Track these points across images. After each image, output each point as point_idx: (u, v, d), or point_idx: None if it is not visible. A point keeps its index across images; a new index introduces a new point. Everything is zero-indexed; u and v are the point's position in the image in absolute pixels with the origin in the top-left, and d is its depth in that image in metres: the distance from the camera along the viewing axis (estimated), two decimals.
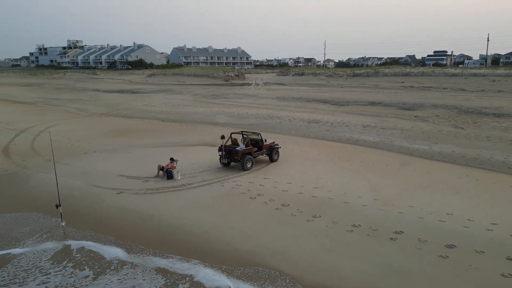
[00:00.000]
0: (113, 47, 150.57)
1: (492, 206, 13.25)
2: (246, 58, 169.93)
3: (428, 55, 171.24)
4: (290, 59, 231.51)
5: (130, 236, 11.79)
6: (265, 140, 19.34)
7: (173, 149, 22.56)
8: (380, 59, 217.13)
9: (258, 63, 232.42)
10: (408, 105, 35.57)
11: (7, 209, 13.91)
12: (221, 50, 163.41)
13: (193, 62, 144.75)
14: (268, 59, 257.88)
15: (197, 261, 10.25)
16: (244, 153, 17.89)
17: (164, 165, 17.49)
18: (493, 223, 11.76)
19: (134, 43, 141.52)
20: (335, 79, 67.26)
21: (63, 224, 12.74)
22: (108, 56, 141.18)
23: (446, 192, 14.63)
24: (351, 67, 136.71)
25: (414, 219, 12.26)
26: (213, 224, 12.39)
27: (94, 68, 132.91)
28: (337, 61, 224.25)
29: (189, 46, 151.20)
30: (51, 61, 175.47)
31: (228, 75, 76.43)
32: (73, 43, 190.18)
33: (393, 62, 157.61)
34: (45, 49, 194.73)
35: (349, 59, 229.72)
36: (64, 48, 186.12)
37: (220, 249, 10.84)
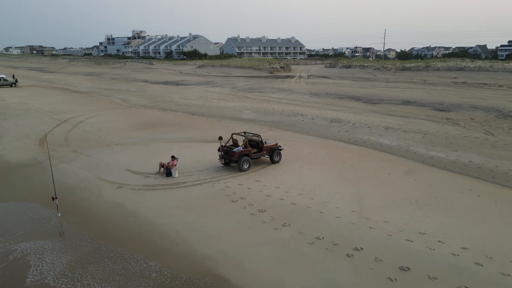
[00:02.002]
0: (171, 38, 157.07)
1: (476, 227, 12.43)
2: (300, 48, 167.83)
3: (502, 45, 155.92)
4: (348, 48, 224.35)
5: (107, 232, 12.81)
6: (265, 142, 19.55)
7: (188, 145, 23.67)
8: (447, 48, 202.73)
9: (313, 53, 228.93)
10: (445, 105, 33.30)
11: (16, 198, 15.74)
12: (275, 40, 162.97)
13: (246, 52, 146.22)
14: (324, 48, 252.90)
15: (154, 263, 10.94)
16: (241, 154, 18.31)
17: (165, 162, 18.52)
18: (463, 247, 11.10)
19: (190, 33, 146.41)
20: (382, 73, 64.42)
21: (59, 215, 14.16)
22: (166, 46, 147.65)
23: (433, 208, 13.92)
24: (413, 58, 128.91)
25: (382, 236, 11.93)
26: (186, 225, 13.06)
27: (153, 58, 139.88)
28: (399, 51, 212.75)
29: (242, 36, 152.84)
30: (117, 50, 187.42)
31: (273, 67, 76.39)
32: (137, 33, 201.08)
33: (461, 52, 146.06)
34: (113, 39, 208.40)
35: (412, 48, 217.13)
36: (129, 38, 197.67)
37: (180, 252, 11.47)
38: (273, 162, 19.61)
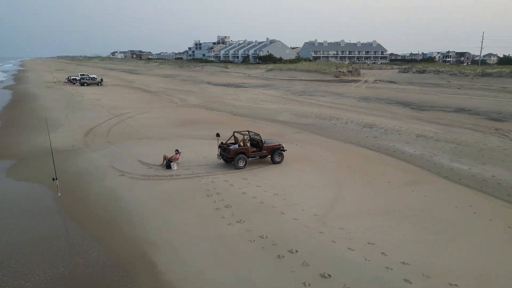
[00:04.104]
0: (249, 42, 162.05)
1: (438, 245, 11.15)
2: (381, 52, 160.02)
3: None
4: (438, 53, 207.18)
5: (87, 213, 14.16)
6: (265, 142, 19.59)
7: (205, 142, 24.73)
8: None
9: (399, 57, 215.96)
10: (502, 115, 29.34)
11: (33, 178, 18.10)
12: (354, 44, 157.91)
13: (322, 57, 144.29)
14: (413, 53, 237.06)
15: (97, 244, 11.78)
16: (236, 152, 18.67)
17: (170, 155, 19.71)
18: (404, 262, 10.10)
19: (267, 38, 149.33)
20: (458, 79, 58.70)
21: (59, 195, 16.06)
22: (244, 51, 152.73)
23: (407, 221, 12.77)
24: None
25: (325, 241, 11.38)
26: (153, 214, 13.86)
27: (231, 62, 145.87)
28: (501, 55, 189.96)
29: (320, 40, 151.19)
30: (203, 55, 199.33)
31: (340, 71, 74.43)
32: (221, 39, 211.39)
33: None
34: (200, 44, 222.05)
35: None
36: (214, 43, 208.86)
37: (132, 236, 12.21)
38: (273, 162, 19.58)
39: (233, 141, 19.92)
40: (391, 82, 62.97)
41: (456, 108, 33.26)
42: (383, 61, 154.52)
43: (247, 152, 19.00)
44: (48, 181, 16.94)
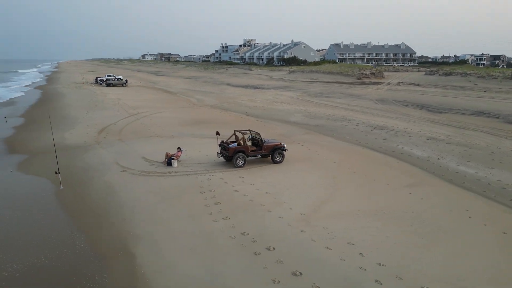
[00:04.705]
0: (274, 45, 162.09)
1: (421, 248, 10.77)
2: (410, 54, 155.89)
3: None
4: (471, 55, 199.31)
5: (82, 206, 14.66)
6: (265, 141, 19.56)
7: (211, 141, 24.90)
8: None
9: (429, 60, 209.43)
10: None
11: (40, 172, 18.89)
12: (381, 47, 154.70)
13: (348, 59, 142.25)
14: (445, 55, 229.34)
15: (83, 246, 12.10)
16: (235, 150, 18.75)
17: (172, 153, 20.06)
18: (380, 264, 9.83)
19: (292, 40, 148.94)
20: (485, 81, 56.44)
21: (61, 188, 16.70)
22: (269, 53, 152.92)
23: (396, 223, 12.43)
24: None
25: (304, 240, 11.25)
26: (144, 208, 14.10)
27: (255, 64, 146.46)
28: None
29: (346, 42, 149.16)
30: (229, 57, 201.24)
31: (362, 73, 73.21)
32: (248, 41, 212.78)
33: None
34: (226, 47, 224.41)
35: None
36: (240, 46, 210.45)
37: (119, 229, 12.53)
38: (274, 161, 19.53)
39: (234, 140, 20.03)
40: (414, 84, 61.31)
41: (475, 111, 31.97)
42: (412, 63, 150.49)
43: (246, 150, 19.04)
44: (54, 175, 17.68)
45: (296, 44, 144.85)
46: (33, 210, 14.19)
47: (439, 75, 69.73)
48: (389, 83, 64.83)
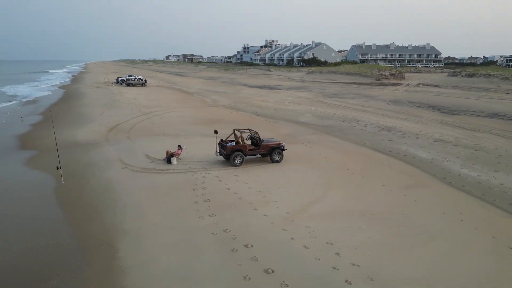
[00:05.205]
0: (295, 46, 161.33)
1: (400, 250, 10.52)
2: (435, 55, 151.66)
3: None
4: (501, 56, 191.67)
5: (78, 200, 15.11)
6: (263, 140, 19.55)
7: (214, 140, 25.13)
8: None
9: (456, 61, 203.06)
10: None
11: (46, 167, 19.54)
12: (405, 47, 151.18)
13: (370, 60, 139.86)
14: (473, 56, 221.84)
15: (70, 238, 12.48)
16: (233, 149, 18.84)
17: (173, 151, 20.37)
18: (354, 264, 9.69)
19: (312, 41, 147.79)
20: (509, 83, 54.24)
21: (63, 183, 17.26)
22: (289, 54, 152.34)
23: (382, 224, 12.20)
24: None
25: (283, 238, 11.21)
26: (136, 203, 14.37)
27: (275, 65, 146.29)
28: None
29: (368, 43, 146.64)
30: (250, 58, 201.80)
31: (381, 74, 71.84)
32: (269, 42, 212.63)
33: None
34: (248, 48, 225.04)
35: None
36: (261, 47, 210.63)
37: (108, 223, 12.83)
38: (272, 161, 19.51)
39: (233, 139, 20.12)
40: (434, 85, 59.65)
41: (491, 113, 30.83)
42: (437, 64, 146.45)
43: (244, 149, 19.10)
44: (62, 170, 18.32)
45: (317, 44, 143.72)
46: (30, 203, 14.75)
47: (462, 76, 67.55)
48: (408, 84, 63.36)
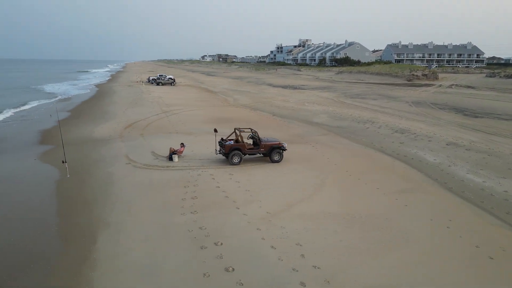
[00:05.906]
0: (328, 45, 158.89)
1: (371, 253, 10.19)
2: (477, 55, 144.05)
3: None
4: None
5: (77, 194, 15.82)
6: (263, 139, 19.53)
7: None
8: None
9: (502, 61, 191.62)
10: None
11: (53, 162, 20.52)
12: (444, 47, 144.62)
13: (406, 60, 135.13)
14: None
15: (56, 229, 13.01)
16: (232, 148, 18.98)
17: (176, 148, 20.82)
18: (316, 266, 9.51)
19: (345, 40, 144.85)
20: None
21: (68, 176, 18.14)
22: (321, 53, 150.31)
23: (362, 227, 11.87)
24: None
25: (254, 237, 11.20)
26: (130, 199, 14.88)
27: (307, 65, 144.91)
28: None
29: (404, 42, 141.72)
30: (283, 58, 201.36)
31: (413, 75, 69.36)
32: (303, 42, 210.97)
33: None
34: (281, 47, 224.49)
35: None
36: (295, 46, 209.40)
37: (94, 216, 13.36)
38: (271, 160, 19.47)
39: (234, 137, 20.27)
40: (468, 87, 56.80)
41: None
42: (479, 65, 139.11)
43: (243, 148, 19.19)
44: (67, 164, 19.28)
45: (350, 44, 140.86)
46: (30, 194, 15.63)
47: (500, 77, 63.89)
48: (440, 85, 60.75)
